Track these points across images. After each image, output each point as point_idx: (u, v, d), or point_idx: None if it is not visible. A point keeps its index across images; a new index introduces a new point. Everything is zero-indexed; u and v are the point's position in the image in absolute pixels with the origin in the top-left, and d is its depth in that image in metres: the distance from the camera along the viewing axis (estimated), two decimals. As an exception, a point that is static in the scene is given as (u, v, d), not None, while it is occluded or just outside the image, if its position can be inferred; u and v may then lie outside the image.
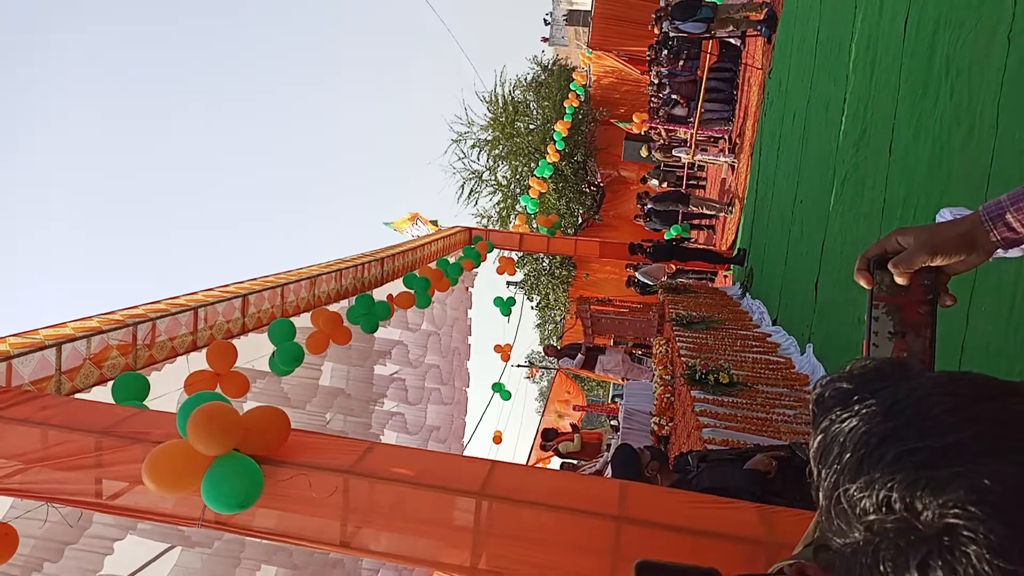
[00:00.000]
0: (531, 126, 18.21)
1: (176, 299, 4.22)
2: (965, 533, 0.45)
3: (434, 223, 9.60)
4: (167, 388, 3.86)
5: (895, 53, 4.51)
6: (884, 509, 0.49)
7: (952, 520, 0.46)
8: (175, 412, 2.68)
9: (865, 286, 0.96)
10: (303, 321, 5.03)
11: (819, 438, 0.57)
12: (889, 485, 0.49)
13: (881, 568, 0.48)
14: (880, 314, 0.92)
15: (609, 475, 7.46)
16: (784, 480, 2.51)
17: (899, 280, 0.91)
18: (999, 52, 3.10)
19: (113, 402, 3.28)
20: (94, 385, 3.38)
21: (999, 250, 1.76)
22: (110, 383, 3.44)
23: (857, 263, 0.96)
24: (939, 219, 1.93)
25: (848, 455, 0.53)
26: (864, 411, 0.54)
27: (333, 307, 5.41)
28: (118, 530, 3.12)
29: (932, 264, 0.91)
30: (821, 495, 0.55)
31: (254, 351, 4.58)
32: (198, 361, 4.11)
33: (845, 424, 0.55)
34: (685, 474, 2.79)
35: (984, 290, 2.94)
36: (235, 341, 4.37)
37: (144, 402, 3.41)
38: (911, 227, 0.93)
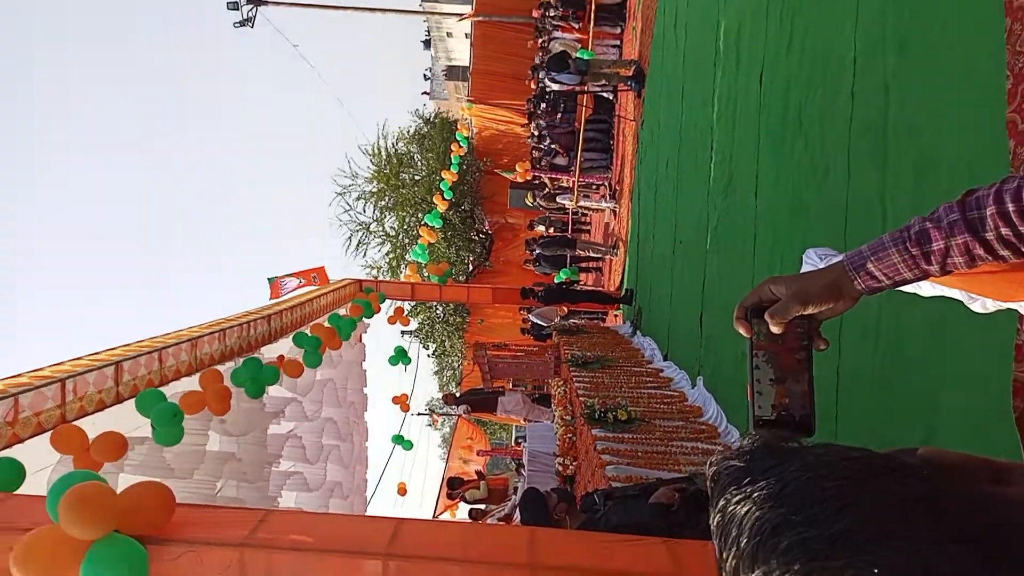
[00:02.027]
0: (416, 177, 18.32)
1: (40, 371, 3.90)
2: None
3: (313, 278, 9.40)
4: (33, 467, 3.54)
5: (753, 107, 4.88)
6: None
7: None
8: (44, 496, 2.45)
9: (744, 335, 1.00)
10: (185, 385, 4.76)
11: (717, 518, 0.58)
12: (789, 572, 0.50)
13: None
14: (760, 362, 0.97)
15: (517, 519, 7.41)
16: (687, 510, 2.58)
17: (775, 329, 0.96)
18: (844, 105, 3.42)
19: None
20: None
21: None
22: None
23: (735, 312, 1.01)
24: (805, 260, 2.07)
25: (745, 540, 0.54)
26: (756, 495, 0.55)
27: (217, 367, 5.15)
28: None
29: (804, 313, 0.96)
30: (726, 570, 0.57)
31: (131, 422, 4.28)
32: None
33: (740, 507, 0.56)
34: (593, 513, 2.82)
35: (851, 323, 3.18)
36: (111, 410, 4.08)
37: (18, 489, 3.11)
38: (782, 277, 0.99)
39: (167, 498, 2.49)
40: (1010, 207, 0.82)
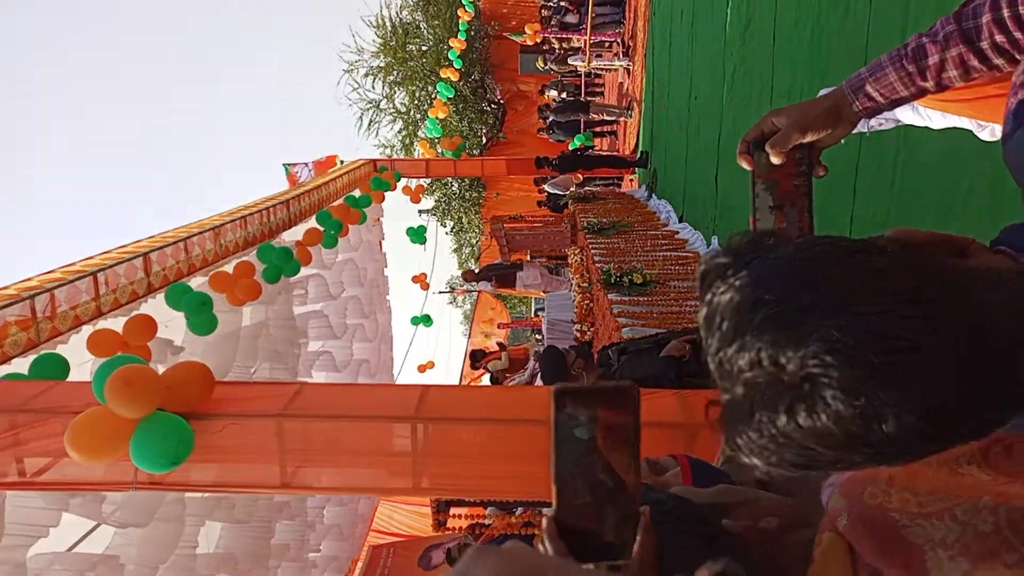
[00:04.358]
0: (423, 48, 17.65)
1: (71, 266, 3.99)
2: (822, 379, 0.52)
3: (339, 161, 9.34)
4: (75, 360, 3.70)
5: (772, -60, 4.57)
6: (756, 367, 0.56)
7: (810, 370, 0.52)
8: (89, 381, 2.59)
9: (746, 167, 1.02)
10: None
11: (704, 310, 0.63)
12: (758, 346, 0.56)
13: (756, 416, 0.55)
14: (760, 190, 0.99)
15: (538, 379, 7.69)
16: (699, 361, 2.67)
17: (775, 160, 0.98)
18: (866, -68, 3.19)
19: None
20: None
21: (871, 123, 1.88)
22: (14, 361, 3.27)
23: (738, 147, 1.03)
24: None
25: (725, 323, 0.59)
26: (737, 283, 0.60)
27: (243, 258, 5.24)
28: (49, 513, 3.03)
29: (804, 141, 0.97)
30: (709, 360, 0.63)
31: (166, 312, 4.42)
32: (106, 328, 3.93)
33: (723, 296, 0.61)
34: (608, 368, 2.92)
35: (867, 166, 3.13)
36: (146, 306, 4.21)
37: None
38: (783, 108, 0.99)
39: (206, 375, 2.62)
40: (1005, 12, 0.80)
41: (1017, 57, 0.83)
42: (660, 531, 0.70)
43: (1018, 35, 0.81)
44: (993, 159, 2.07)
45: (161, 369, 2.71)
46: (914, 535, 0.54)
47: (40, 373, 3.22)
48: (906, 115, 1.68)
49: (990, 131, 1.53)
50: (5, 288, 3.49)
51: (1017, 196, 0.75)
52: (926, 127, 1.70)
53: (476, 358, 11.22)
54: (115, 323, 3.98)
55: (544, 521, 0.71)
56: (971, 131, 1.58)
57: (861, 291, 0.54)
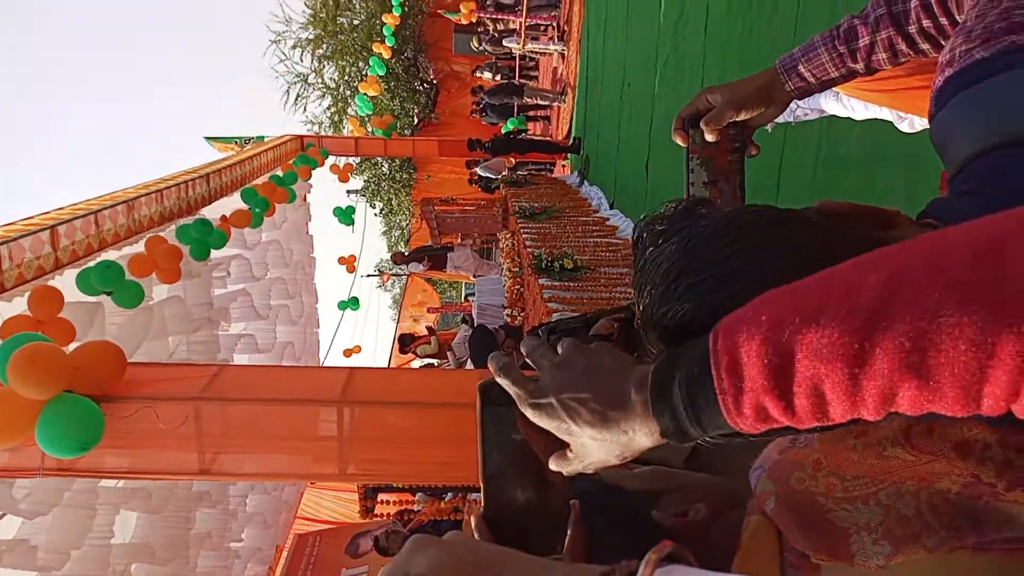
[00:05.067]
0: (355, 21, 17.22)
1: (-32, 238, 3.73)
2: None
3: (258, 139, 9.00)
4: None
5: (705, -69, 4.63)
6: (683, 326, 0.59)
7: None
8: (-11, 361, 2.42)
9: (681, 144, 1.03)
10: (126, 252, 4.63)
11: (637, 275, 0.66)
12: (683, 310, 0.59)
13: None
14: (695, 166, 1.01)
15: (466, 363, 7.67)
16: (627, 340, 2.70)
17: (709, 137, 0.99)
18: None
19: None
20: None
21: (796, 113, 1.92)
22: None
23: (673, 123, 1.03)
24: None
25: (653, 288, 0.62)
26: (667, 249, 0.62)
27: (159, 232, 5.01)
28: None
29: (737, 119, 0.99)
30: (640, 318, 0.65)
31: (76, 294, 4.19)
32: (11, 307, 3.70)
33: (653, 261, 0.63)
34: (538, 348, 2.92)
35: (790, 158, 3.22)
36: (56, 282, 3.97)
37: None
38: (718, 86, 1.00)
39: (117, 356, 2.49)
40: None
41: (942, 43, 0.85)
42: (589, 524, 0.69)
43: (943, 21, 0.83)
44: (911, 152, 2.15)
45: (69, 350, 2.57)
46: (839, 519, 0.54)
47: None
48: (830, 105, 1.73)
49: (909, 123, 1.59)
50: None
51: (933, 189, 0.77)
52: (848, 118, 1.75)
53: (405, 342, 11.11)
54: (20, 302, 3.75)
55: (472, 520, 0.69)
56: (891, 123, 1.64)
57: (782, 261, 0.57)
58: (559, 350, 0.65)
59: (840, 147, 2.80)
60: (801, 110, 1.88)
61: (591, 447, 0.60)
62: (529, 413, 0.62)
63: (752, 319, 0.49)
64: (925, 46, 0.87)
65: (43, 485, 2.99)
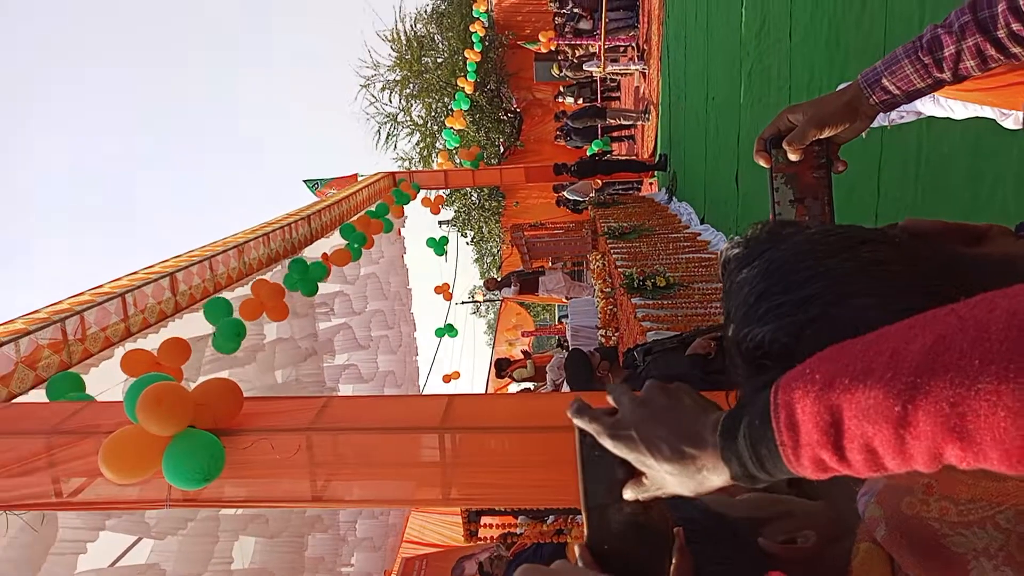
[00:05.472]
0: (439, 60, 17.77)
1: (100, 288, 4.07)
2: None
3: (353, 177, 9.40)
4: (108, 381, 3.77)
5: (784, -63, 4.55)
6: (762, 348, 0.61)
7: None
8: (121, 401, 2.63)
9: (764, 165, 1.02)
10: (237, 292, 4.93)
11: (724, 299, 0.68)
12: (761, 333, 0.60)
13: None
14: (780, 184, 0.99)
15: (562, 385, 7.66)
16: (724, 358, 2.65)
17: (792, 157, 0.98)
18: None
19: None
20: (31, 388, 3.28)
21: (891, 116, 1.85)
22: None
23: (755, 145, 1.02)
24: None
25: (736, 311, 0.64)
26: (751, 274, 0.64)
27: (267, 275, 5.30)
28: (88, 531, 3.08)
29: (821, 136, 0.97)
30: (726, 341, 0.67)
31: (192, 329, 4.48)
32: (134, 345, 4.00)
33: (738, 285, 0.65)
34: (634, 369, 2.91)
35: (890, 161, 3.09)
36: (172, 322, 4.27)
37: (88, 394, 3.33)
38: (799, 104, 0.99)
39: (235, 392, 2.64)
40: (1021, 1, 0.79)
41: None
42: (694, 551, 0.69)
43: None
44: (1018, 147, 2.03)
45: (191, 386, 2.75)
46: (956, 545, 0.53)
47: (57, 394, 3.28)
48: (927, 107, 1.66)
49: (1014, 119, 1.51)
50: (36, 312, 3.57)
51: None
52: (948, 118, 1.68)
53: (501, 367, 11.21)
54: (144, 343, 4.04)
55: (576, 548, 0.71)
56: (994, 120, 1.56)
57: (860, 283, 0.57)
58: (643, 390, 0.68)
59: (943, 145, 2.67)
60: (896, 114, 1.81)
61: (667, 480, 0.62)
62: (608, 444, 0.64)
63: (808, 376, 0.51)
64: (1016, 50, 0.85)
65: (170, 515, 3.20)
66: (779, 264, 0.62)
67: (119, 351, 3.91)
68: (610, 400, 0.69)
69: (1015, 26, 0.82)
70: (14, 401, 3.12)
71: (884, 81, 0.94)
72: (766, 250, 0.64)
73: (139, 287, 4.16)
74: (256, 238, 5.47)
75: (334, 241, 6.31)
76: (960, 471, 0.54)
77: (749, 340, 0.61)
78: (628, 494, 0.66)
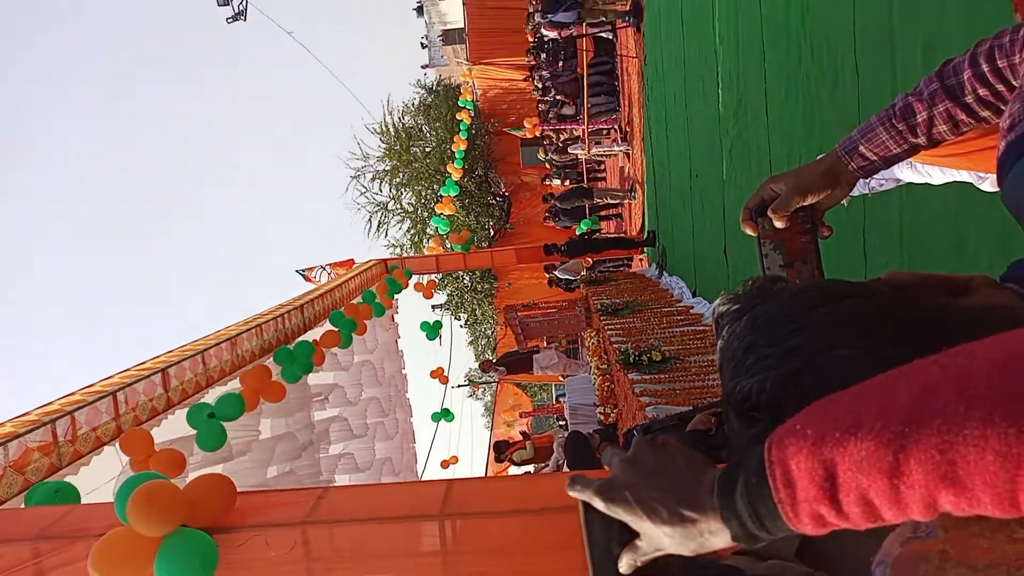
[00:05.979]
0: (427, 149, 18.24)
1: (91, 387, 4.02)
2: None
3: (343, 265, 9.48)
4: (99, 480, 3.68)
5: (755, 21, 4.77)
6: (750, 401, 0.62)
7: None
8: (111, 502, 2.56)
9: (751, 233, 1.04)
10: (230, 387, 4.88)
11: (718, 355, 0.69)
12: (749, 385, 0.61)
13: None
14: (769, 251, 1.01)
15: (564, 466, 7.52)
16: (725, 433, 2.62)
17: (778, 224, 1.00)
18: (846, 5, 3.33)
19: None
20: (20, 493, 3.19)
21: (871, 185, 1.90)
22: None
23: (742, 214, 1.04)
24: None
25: (727, 365, 0.65)
26: (739, 329, 0.66)
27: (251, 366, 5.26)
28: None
29: (805, 204, 0.99)
30: (721, 396, 0.68)
31: (185, 428, 4.41)
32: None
33: (727, 340, 0.67)
34: (634, 450, 2.85)
35: (873, 228, 3.14)
36: (167, 421, 4.21)
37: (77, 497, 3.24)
38: (781, 174, 1.02)
39: (228, 487, 2.57)
40: (985, 68, 0.83)
41: (1002, 108, 0.84)
42: None
43: (1000, 88, 0.83)
44: (999, 208, 2.08)
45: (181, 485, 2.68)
46: None
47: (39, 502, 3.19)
48: (905, 173, 1.71)
49: (991, 182, 1.55)
50: (26, 414, 3.51)
51: (1028, 240, 0.75)
52: (927, 184, 1.72)
53: (500, 450, 11.02)
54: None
55: None
56: (971, 184, 1.60)
57: (843, 335, 0.59)
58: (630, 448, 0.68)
59: (924, 212, 2.73)
60: (876, 181, 1.86)
61: (664, 541, 0.62)
62: (602, 507, 0.64)
63: (800, 432, 0.51)
64: (985, 113, 0.88)
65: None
66: (766, 317, 0.64)
67: (109, 450, 3.84)
68: (603, 463, 0.69)
69: (982, 91, 0.85)
70: (1, 508, 3.03)
71: (861, 148, 0.97)
72: (756, 304, 0.66)
73: (130, 384, 4.11)
74: (248, 330, 5.45)
75: (327, 330, 6.31)
76: (974, 534, 0.53)
77: (738, 392, 0.62)
78: (624, 565, 0.65)
